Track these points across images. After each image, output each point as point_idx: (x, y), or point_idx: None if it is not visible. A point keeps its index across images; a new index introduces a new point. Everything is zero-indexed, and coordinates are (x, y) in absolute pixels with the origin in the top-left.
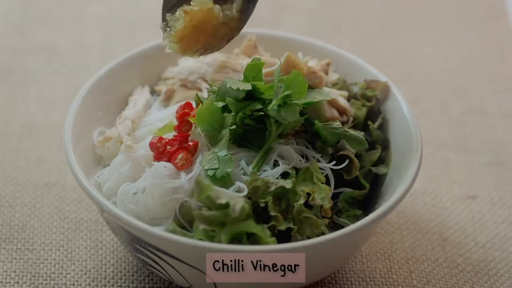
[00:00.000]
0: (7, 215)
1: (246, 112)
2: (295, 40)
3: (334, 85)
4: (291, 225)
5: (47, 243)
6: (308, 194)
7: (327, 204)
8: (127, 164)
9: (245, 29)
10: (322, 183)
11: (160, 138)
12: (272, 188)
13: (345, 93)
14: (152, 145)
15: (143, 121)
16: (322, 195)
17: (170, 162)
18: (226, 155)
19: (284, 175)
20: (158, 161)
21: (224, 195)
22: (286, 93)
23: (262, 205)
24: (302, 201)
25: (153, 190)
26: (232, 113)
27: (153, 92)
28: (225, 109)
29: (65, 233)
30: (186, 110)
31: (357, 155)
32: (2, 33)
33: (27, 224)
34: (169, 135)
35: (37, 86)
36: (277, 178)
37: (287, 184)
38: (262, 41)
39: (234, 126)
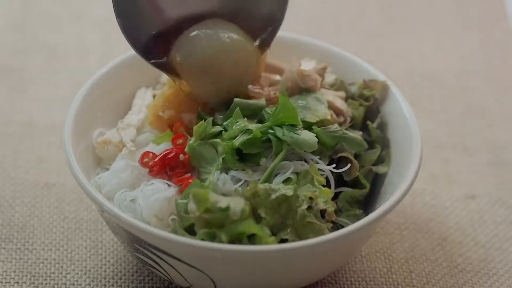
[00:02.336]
0: (7, 215)
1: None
2: (294, 40)
3: (331, 86)
4: (287, 237)
5: (47, 243)
6: (311, 199)
7: (331, 208)
8: (127, 171)
9: None
10: (323, 185)
11: (146, 153)
12: (273, 196)
13: (343, 93)
14: (141, 162)
15: (145, 127)
16: (325, 199)
17: (164, 179)
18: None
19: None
20: (152, 175)
21: (223, 199)
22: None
23: (263, 214)
24: (305, 206)
25: (147, 209)
26: (224, 141)
27: (154, 96)
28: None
29: (65, 233)
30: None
31: (357, 155)
32: (2, 33)
33: (27, 224)
34: (168, 144)
35: (37, 86)
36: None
37: (289, 191)
38: None
39: (221, 161)
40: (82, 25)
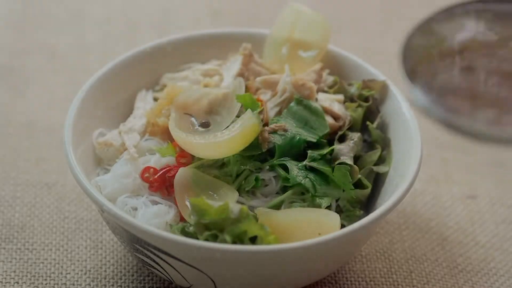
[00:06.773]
0: (7, 215)
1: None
2: None
3: (330, 87)
4: None
5: (47, 243)
6: None
7: None
8: (130, 177)
9: (245, 30)
10: None
11: (147, 168)
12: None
13: (341, 97)
14: (142, 177)
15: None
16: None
17: (164, 195)
18: None
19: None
20: (152, 190)
21: (220, 202)
22: None
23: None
24: None
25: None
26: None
27: (155, 98)
28: None
29: (65, 233)
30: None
31: (357, 156)
32: (2, 33)
33: (27, 224)
34: (173, 158)
35: (37, 86)
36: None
37: None
38: (261, 41)
39: None
40: (82, 25)
